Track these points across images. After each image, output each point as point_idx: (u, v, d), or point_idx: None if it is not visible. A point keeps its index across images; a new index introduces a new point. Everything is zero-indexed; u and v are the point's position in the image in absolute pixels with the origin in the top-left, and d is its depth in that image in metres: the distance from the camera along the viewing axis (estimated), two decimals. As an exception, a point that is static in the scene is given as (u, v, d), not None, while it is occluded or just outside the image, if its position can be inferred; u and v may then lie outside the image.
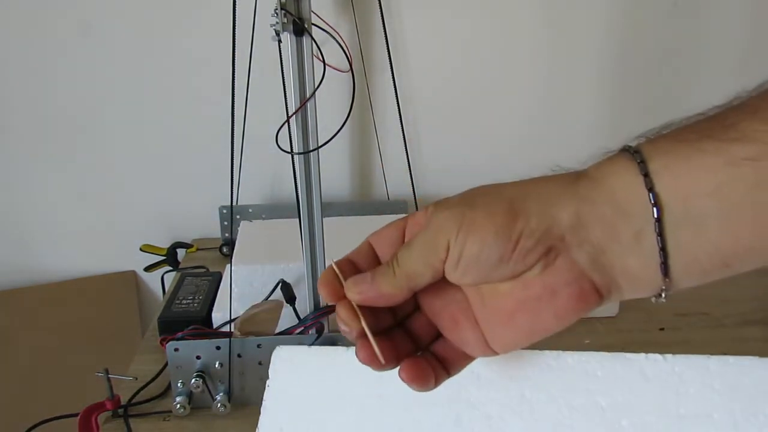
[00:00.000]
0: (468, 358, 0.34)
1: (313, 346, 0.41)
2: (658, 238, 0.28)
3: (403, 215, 0.35)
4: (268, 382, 0.40)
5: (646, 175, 0.28)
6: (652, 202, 0.28)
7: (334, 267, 0.34)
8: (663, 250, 0.28)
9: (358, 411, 0.38)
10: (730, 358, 0.32)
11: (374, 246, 0.35)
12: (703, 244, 0.28)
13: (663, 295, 0.30)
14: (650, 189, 0.28)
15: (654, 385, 0.33)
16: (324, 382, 0.39)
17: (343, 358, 0.40)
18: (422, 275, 0.32)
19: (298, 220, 0.65)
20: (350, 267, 0.34)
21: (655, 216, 0.28)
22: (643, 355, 0.34)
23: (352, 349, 0.34)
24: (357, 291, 0.32)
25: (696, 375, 0.32)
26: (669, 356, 0.34)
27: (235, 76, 0.62)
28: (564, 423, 0.33)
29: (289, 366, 0.40)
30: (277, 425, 0.38)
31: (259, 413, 0.39)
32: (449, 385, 0.34)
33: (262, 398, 0.66)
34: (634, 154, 0.29)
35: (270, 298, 0.73)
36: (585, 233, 0.30)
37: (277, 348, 0.41)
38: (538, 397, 0.34)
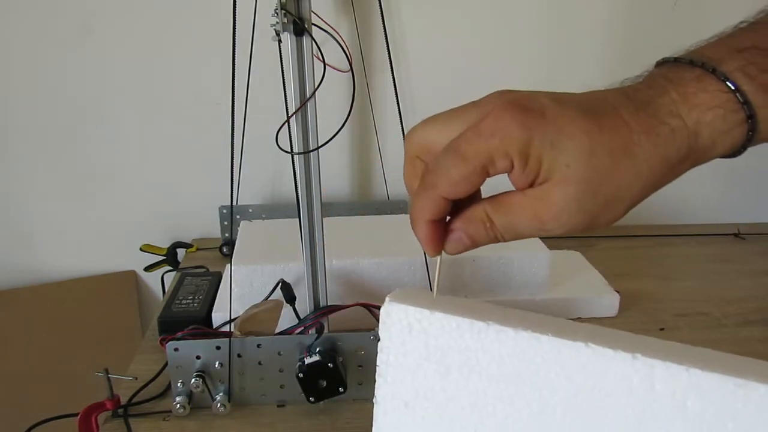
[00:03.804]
0: None
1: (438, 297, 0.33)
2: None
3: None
4: (379, 345, 0.33)
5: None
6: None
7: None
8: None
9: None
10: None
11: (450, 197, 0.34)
12: None
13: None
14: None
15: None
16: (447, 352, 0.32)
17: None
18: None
19: (298, 220, 0.65)
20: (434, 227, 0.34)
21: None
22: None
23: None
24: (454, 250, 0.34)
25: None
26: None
27: (235, 76, 0.62)
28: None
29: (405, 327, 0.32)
30: (401, 399, 0.32)
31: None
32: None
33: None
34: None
35: (270, 298, 0.73)
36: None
37: (388, 301, 0.33)
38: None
